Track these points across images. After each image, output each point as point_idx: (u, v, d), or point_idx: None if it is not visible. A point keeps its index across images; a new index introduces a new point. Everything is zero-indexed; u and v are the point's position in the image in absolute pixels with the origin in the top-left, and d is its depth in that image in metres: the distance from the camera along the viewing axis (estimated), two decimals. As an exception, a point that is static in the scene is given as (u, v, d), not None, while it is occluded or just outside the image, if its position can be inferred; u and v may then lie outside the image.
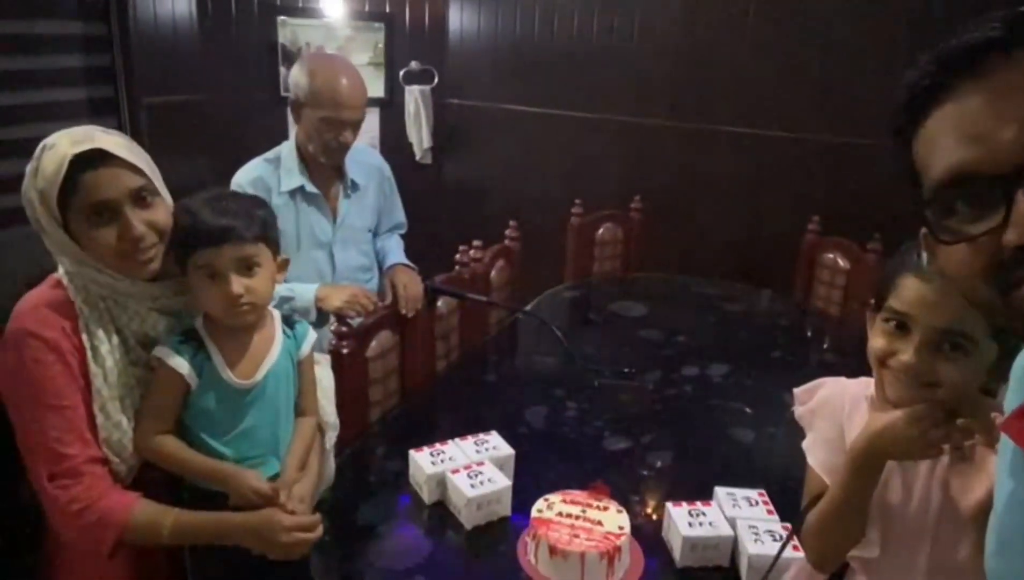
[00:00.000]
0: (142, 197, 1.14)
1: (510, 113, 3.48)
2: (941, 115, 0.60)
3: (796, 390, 1.15)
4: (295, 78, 2.00)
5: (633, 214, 2.94)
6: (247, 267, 1.17)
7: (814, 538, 1.05)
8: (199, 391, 1.18)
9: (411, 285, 2.00)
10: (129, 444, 1.16)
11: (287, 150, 2.05)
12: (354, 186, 2.13)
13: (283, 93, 3.69)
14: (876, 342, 0.97)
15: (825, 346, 2.56)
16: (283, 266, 1.25)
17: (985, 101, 0.56)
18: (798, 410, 1.14)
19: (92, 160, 1.09)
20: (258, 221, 1.18)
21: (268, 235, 1.20)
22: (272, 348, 1.25)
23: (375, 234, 2.27)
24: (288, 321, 1.30)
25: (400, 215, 2.36)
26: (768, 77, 2.93)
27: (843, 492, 0.99)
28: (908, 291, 0.93)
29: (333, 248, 2.11)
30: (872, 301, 1.02)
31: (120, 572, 1.19)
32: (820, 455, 1.08)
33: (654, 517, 1.46)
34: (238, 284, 1.16)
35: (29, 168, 1.12)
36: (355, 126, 2.02)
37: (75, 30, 2.86)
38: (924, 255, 0.90)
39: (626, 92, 3.21)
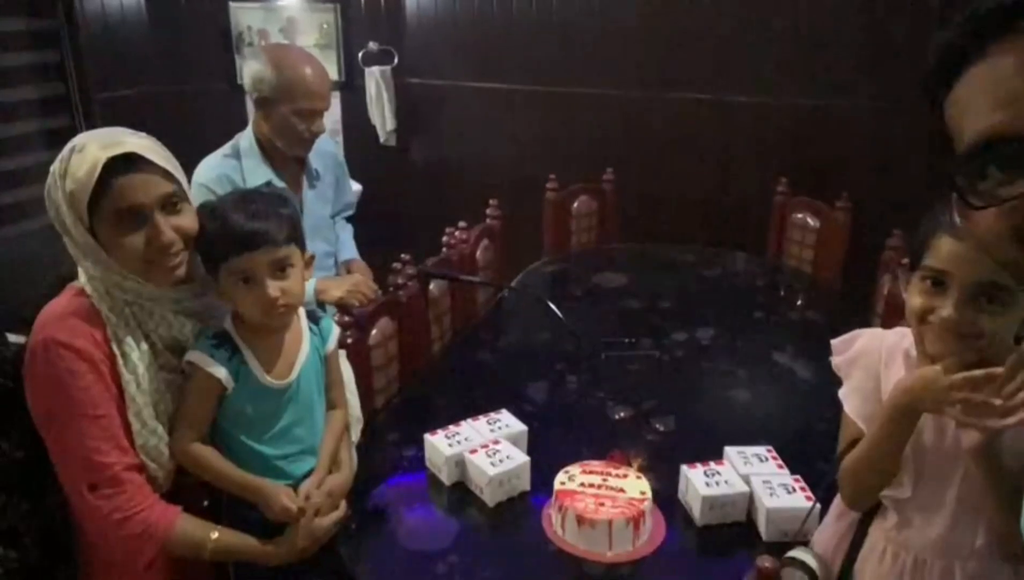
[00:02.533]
0: (172, 203, 1.13)
1: (474, 91, 3.47)
2: (973, 77, 0.59)
3: (834, 341, 1.19)
4: (257, 74, 1.95)
5: (606, 186, 2.98)
6: (280, 269, 1.17)
7: (849, 480, 1.11)
8: (236, 394, 1.18)
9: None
10: (165, 449, 1.15)
11: (247, 144, 2.01)
12: (316, 176, 2.13)
13: (239, 81, 3.62)
14: (915, 300, 1.01)
15: (799, 303, 2.65)
16: (309, 263, 1.25)
17: (1019, 63, 0.55)
18: (835, 360, 1.18)
19: (125, 164, 1.07)
20: (287, 221, 1.18)
21: (297, 234, 1.20)
22: (302, 346, 1.25)
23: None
24: (312, 317, 1.31)
25: (350, 195, 2.38)
26: (731, 43, 2.98)
27: (879, 440, 1.04)
28: (944, 249, 0.97)
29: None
30: (906, 262, 1.06)
31: (160, 580, 1.19)
32: (856, 403, 1.13)
33: (668, 480, 1.51)
34: (274, 288, 1.15)
35: (55, 169, 1.09)
36: (322, 114, 2.01)
37: (21, 27, 2.75)
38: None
39: (591, 64, 3.22)
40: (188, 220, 1.15)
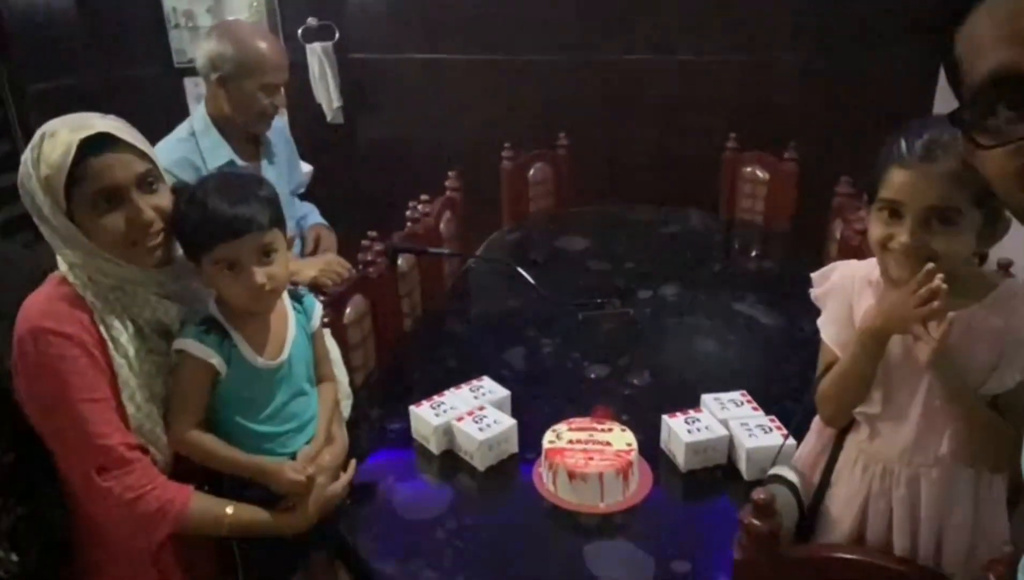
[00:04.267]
0: (149, 182, 1.12)
1: (420, 63, 3.43)
2: (985, 12, 0.57)
3: (813, 274, 1.27)
4: (217, 52, 1.91)
5: (560, 151, 3.00)
6: (266, 254, 1.16)
7: (827, 400, 1.20)
8: (229, 378, 1.17)
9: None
10: (162, 434, 1.15)
11: (201, 126, 1.97)
12: (274, 152, 2.10)
13: (176, 64, 3.51)
14: (875, 230, 1.09)
15: (754, 254, 2.74)
16: (290, 244, 1.25)
17: None
18: (814, 292, 1.26)
19: (99, 145, 1.06)
20: (268, 204, 1.17)
21: (279, 217, 1.19)
22: (288, 325, 1.25)
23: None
24: (294, 295, 1.31)
25: (300, 174, 2.36)
26: (672, 3, 3.02)
27: (853, 362, 1.13)
28: (895, 180, 1.04)
29: None
30: (866, 196, 1.13)
31: (166, 568, 1.20)
32: (832, 330, 1.22)
33: (649, 431, 1.56)
34: (260, 274, 1.15)
35: (27, 158, 1.07)
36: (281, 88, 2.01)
37: (-61, 19, 2.61)
38: (903, 144, 1.02)
39: (536, 30, 3.22)
40: (165, 200, 1.15)
